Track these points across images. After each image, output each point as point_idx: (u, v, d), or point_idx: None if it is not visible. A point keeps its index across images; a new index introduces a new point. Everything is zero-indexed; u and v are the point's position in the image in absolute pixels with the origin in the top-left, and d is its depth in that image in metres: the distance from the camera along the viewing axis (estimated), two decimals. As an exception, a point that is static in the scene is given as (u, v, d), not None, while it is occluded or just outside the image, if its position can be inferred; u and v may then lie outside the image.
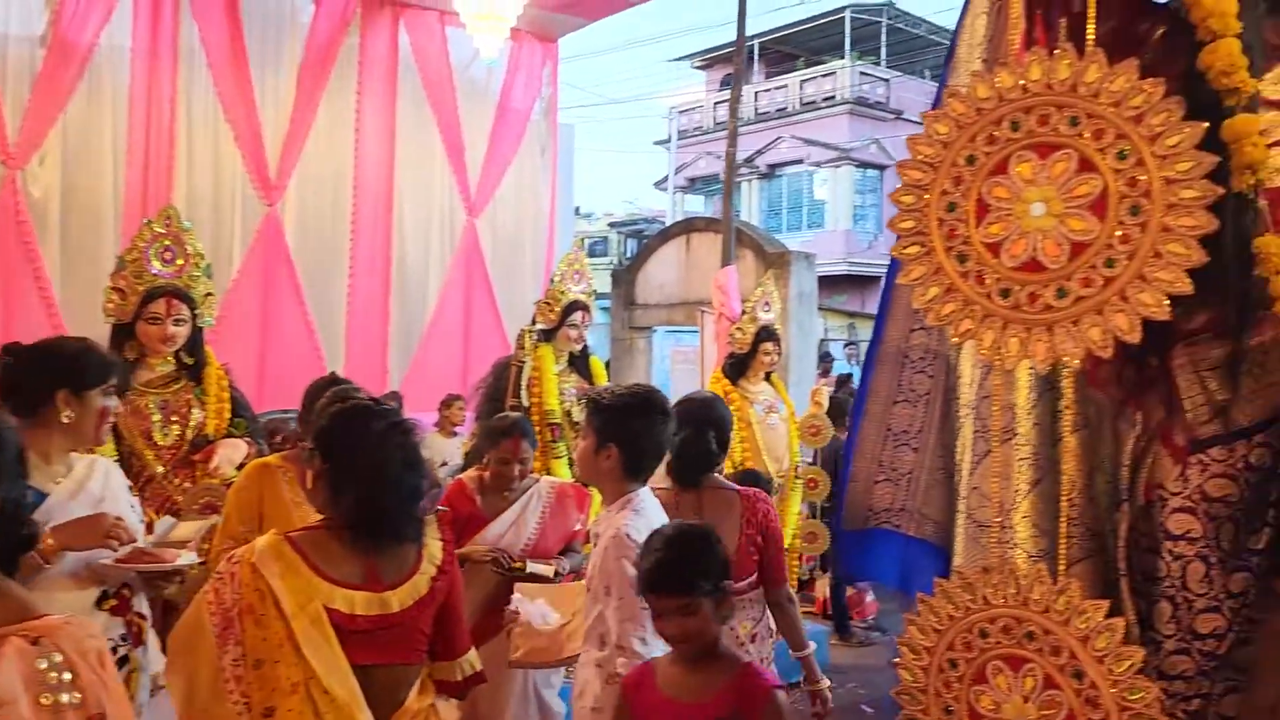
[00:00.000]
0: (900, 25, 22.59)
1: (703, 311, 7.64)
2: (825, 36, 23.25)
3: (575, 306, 4.76)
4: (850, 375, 11.23)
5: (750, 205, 23.52)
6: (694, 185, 24.75)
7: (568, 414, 4.77)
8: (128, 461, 3.12)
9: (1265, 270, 1.28)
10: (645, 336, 9.64)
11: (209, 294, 3.47)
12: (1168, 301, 1.10)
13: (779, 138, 22.73)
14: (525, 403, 4.62)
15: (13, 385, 2.22)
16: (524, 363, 4.66)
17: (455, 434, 6.76)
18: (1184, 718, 1.41)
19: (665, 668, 1.98)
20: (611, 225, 28.13)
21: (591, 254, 27.64)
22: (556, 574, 3.32)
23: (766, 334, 5.59)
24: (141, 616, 2.34)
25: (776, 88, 23.44)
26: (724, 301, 6.85)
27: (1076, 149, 1.15)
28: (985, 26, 1.40)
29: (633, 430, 2.74)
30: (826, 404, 6.13)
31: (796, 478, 5.49)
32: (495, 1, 5.70)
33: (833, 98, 22.23)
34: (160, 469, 3.24)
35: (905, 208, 1.24)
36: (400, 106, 7.43)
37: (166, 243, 3.37)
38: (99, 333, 3.04)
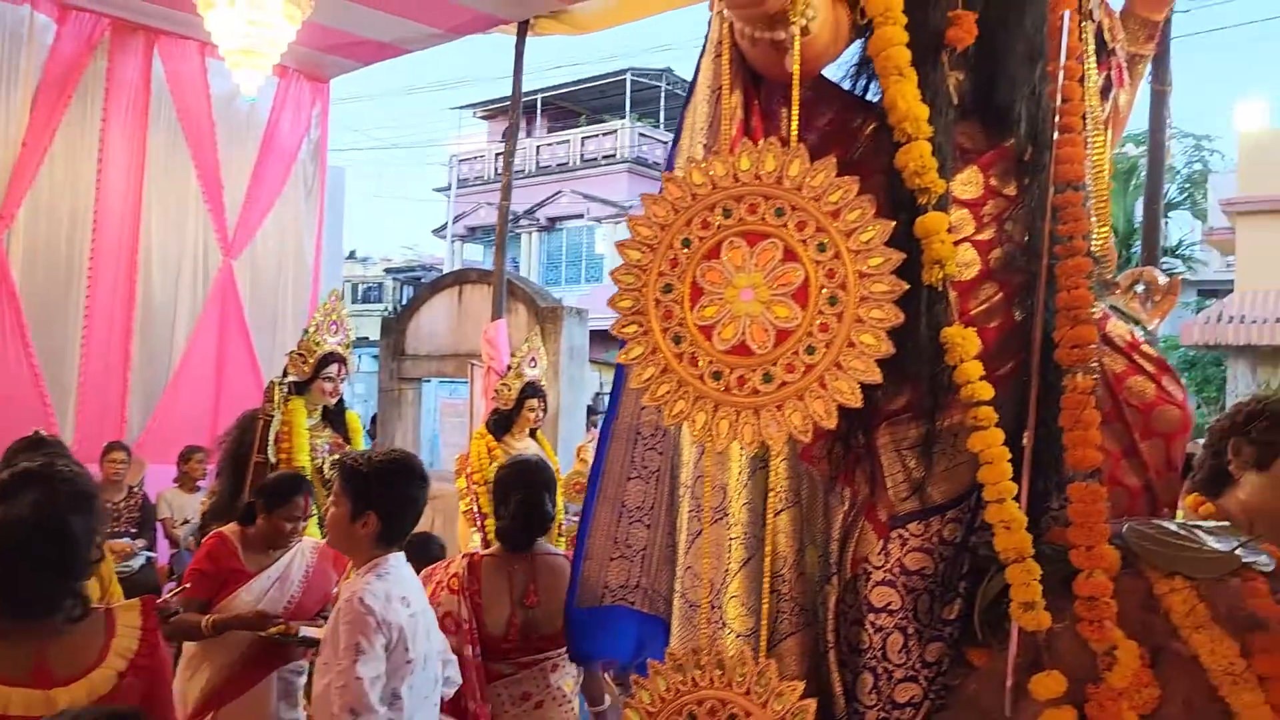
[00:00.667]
0: (678, 91, 23.54)
1: (473, 364, 7.55)
2: (606, 97, 23.88)
3: (331, 359, 4.58)
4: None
5: (530, 257, 23.64)
6: (474, 234, 24.63)
7: (319, 471, 4.57)
8: None
9: (952, 359, 1.37)
10: (414, 388, 9.41)
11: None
12: (860, 390, 1.15)
13: (560, 191, 23.03)
14: (272, 459, 4.38)
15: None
16: (272, 416, 4.42)
17: (198, 489, 6.33)
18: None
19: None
20: (388, 271, 27.50)
21: (366, 300, 26.89)
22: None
23: (532, 390, 5.59)
24: None
25: (559, 142, 23.81)
26: (493, 355, 6.80)
27: (782, 239, 1.19)
28: (706, 114, 1.44)
29: (393, 496, 2.65)
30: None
31: (560, 536, 5.47)
32: (257, 39, 5.47)
33: (613, 156, 22.81)
34: None
35: (625, 287, 1.25)
36: (152, 138, 6.98)
37: None
38: None
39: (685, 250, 1.23)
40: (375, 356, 9.97)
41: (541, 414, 5.67)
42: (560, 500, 5.64)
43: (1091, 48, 1.66)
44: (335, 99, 7.94)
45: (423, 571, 3.08)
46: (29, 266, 6.34)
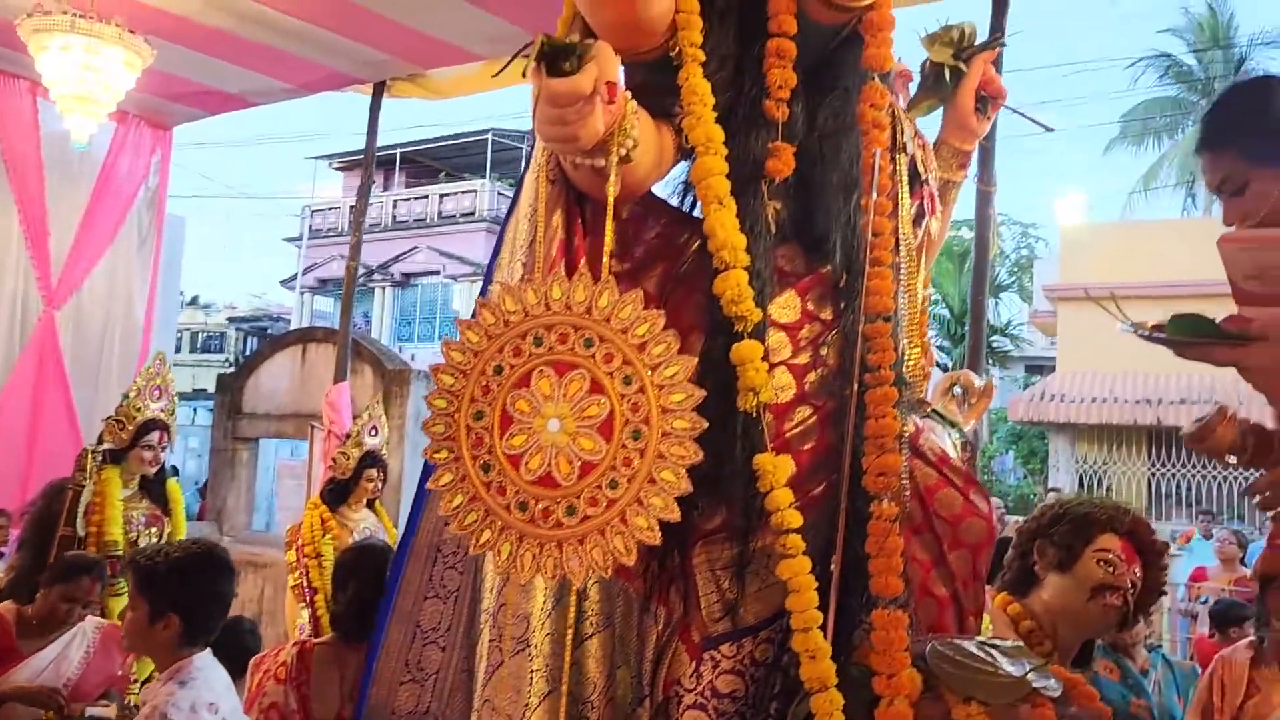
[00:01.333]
0: (539, 154, 23.75)
1: (313, 426, 7.29)
2: (467, 155, 23.83)
3: (152, 426, 4.33)
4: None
5: (383, 311, 23.19)
6: (325, 286, 24.02)
7: (134, 544, 4.29)
8: None
9: (763, 485, 1.39)
10: (250, 447, 9.01)
11: None
12: (659, 528, 1.14)
13: (416, 247, 22.75)
14: (81, 532, 4.09)
15: None
16: (83, 486, 4.13)
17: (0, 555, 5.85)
18: None
19: None
20: (231, 320, 26.46)
21: (206, 349, 25.80)
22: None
23: (371, 460, 5.41)
24: None
25: (417, 198, 23.57)
26: (334, 419, 6.58)
27: (590, 370, 1.18)
28: (527, 231, 1.43)
29: (195, 595, 2.49)
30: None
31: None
32: (93, 84, 5.21)
33: (472, 214, 22.72)
34: None
35: (437, 411, 1.21)
36: (-31, 179, 6.55)
37: None
38: None
39: (497, 377, 1.20)
40: (211, 410, 9.52)
41: (381, 484, 5.49)
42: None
43: (905, 178, 1.74)
44: (186, 144, 7.67)
45: (253, 659, 2.92)
46: None
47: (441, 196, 23.35)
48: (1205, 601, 6.56)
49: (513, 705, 1.37)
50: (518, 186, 1.54)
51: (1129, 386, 13.75)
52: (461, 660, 1.52)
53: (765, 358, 1.44)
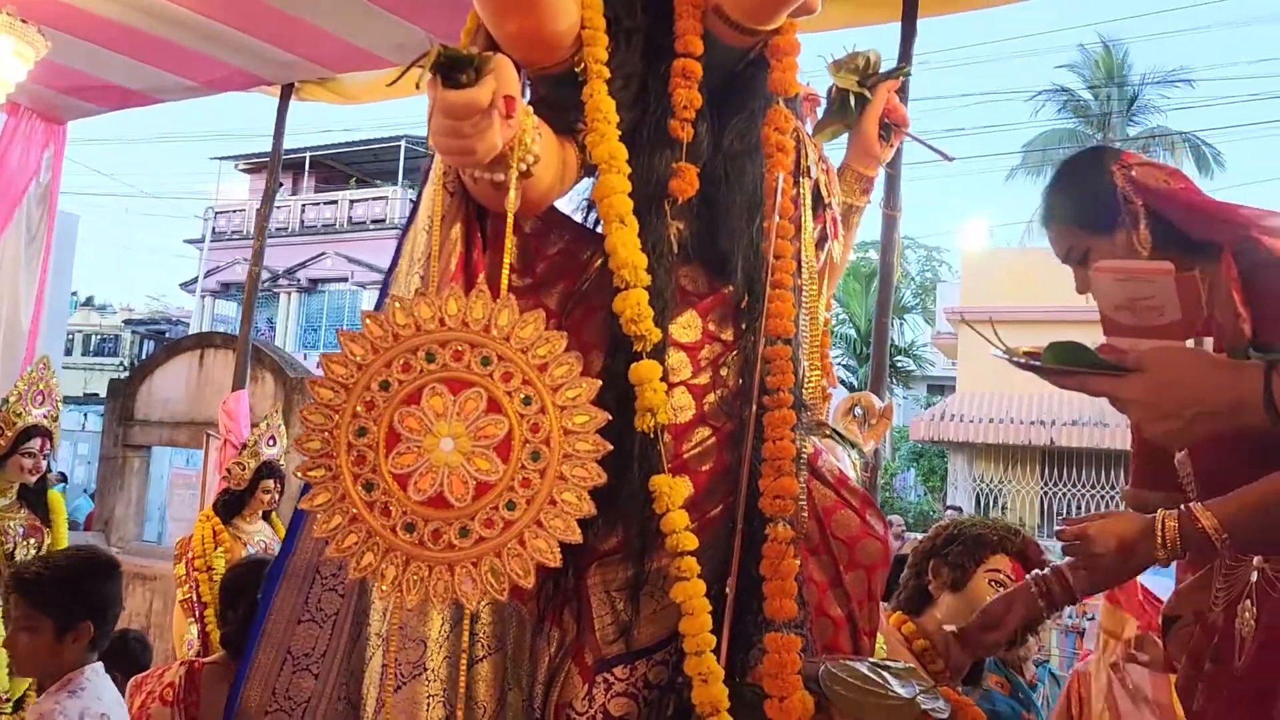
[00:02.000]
0: (453, 162, 23.53)
1: (209, 435, 7.06)
2: (379, 161, 23.49)
3: (33, 432, 4.14)
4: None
5: (288, 317, 22.64)
6: (227, 290, 23.36)
7: (10, 556, 4.09)
8: None
9: (659, 507, 1.38)
10: (142, 456, 8.69)
11: None
12: (559, 550, 1.12)
13: (324, 253, 22.29)
14: (-51, 545, 3.89)
15: None
16: (-47, 496, 3.92)
17: None
18: None
19: None
20: (128, 322, 25.51)
21: (99, 352, 24.80)
22: None
23: (268, 471, 5.27)
24: None
25: (326, 202, 23.11)
26: (230, 427, 6.38)
27: (487, 389, 1.16)
28: (425, 244, 1.40)
29: (103, 599, 2.41)
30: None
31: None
32: (-26, 76, 4.97)
33: (383, 221, 22.37)
34: None
35: (313, 427, 1.16)
36: None
37: None
38: None
39: (383, 393, 1.16)
40: (102, 415, 9.15)
41: (277, 496, 5.35)
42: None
43: (809, 202, 1.76)
44: (84, 139, 7.39)
45: (133, 679, 2.78)
46: None
47: (352, 202, 22.94)
48: (1092, 619, 6.78)
49: None
50: (417, 197, 1.51)
51: (1024, 408, 14.20)
52: (339, 689, 1.46)
53: (665, 378, 1.43)
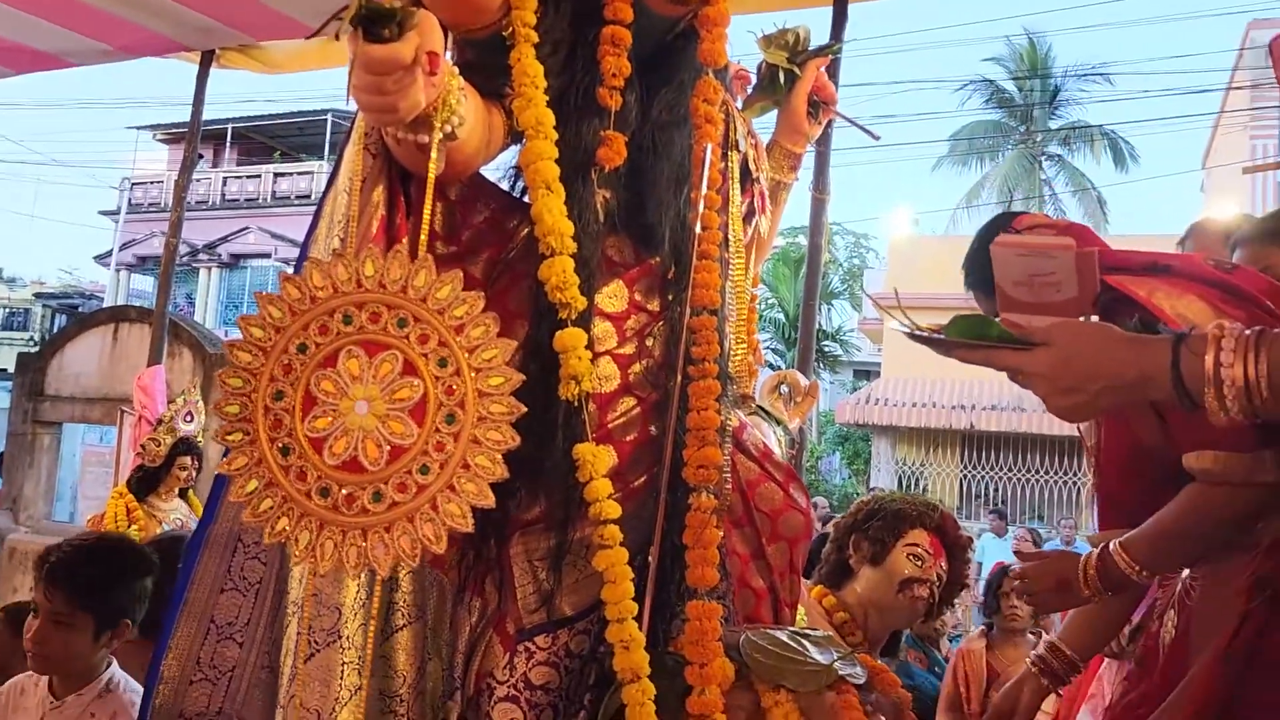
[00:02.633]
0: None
1: (123, 411, 6.86)
2: (304, 135, 22.94)
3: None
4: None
5: (208, 294, 22.07)
6: (144, 264, 22.67)
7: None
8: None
9: (582, 475, 1.37)
10: (53, 432, 8.40)
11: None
12: (472, 515, 1.11)
13: (247, 228, 21.74)
14: None
15: None
16: None
17: None
18: None
19: None
20: (38, 296, 24.63)
21: (8, 326, 23.90)
22: None
23: (185, 447, 5.14)
24: None
25: (249, 176, 22.52)
26: (145, 403, 6.20)
27: (403, 351, 1.14)
28: (346, 205, 1.37)
29: (143, 594, 2.27)
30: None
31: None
32: None
33: (308, 196, 21.87)
34: None
35: (231, 390, 1.14)
36: None
37: None
38: None
39: (301, 356, 1.14)
40: (10, 391, 8.83)
41: (195, 473, 5.22)
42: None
43: (737, 176, 1.76)
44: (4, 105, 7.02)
45: None
46: None
47: (276, 176, 22.39)
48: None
49: (321, 700, 1.30)
50: (338, 158, 1.47)
51: (946, 393, 14.51)
52: (262, 656, 1.43)
53: (590, 346, 1.42)
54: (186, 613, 1.44)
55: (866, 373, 22.26)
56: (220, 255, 22.14)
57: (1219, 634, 1.45)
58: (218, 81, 6.25)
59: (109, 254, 22.88)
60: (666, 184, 1.61)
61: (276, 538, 1.11)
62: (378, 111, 1.13)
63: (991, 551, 9.46)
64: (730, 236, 1.73)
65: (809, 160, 2.32)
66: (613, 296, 1.59)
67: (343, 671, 1.31)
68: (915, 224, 18.80)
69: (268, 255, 21.97)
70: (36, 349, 9.47)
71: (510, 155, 1.61)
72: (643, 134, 1.60)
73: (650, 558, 1.47)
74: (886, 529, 2.52)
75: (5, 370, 14.82)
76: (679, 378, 1.53)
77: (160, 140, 23.81)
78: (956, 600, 2.75)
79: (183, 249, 6.70)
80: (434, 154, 1.22)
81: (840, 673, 1.48)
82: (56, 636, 2.09)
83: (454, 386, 1.13)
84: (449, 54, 1.29)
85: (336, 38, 1.06)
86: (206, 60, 6.15)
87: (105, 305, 17.19)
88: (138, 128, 23.40)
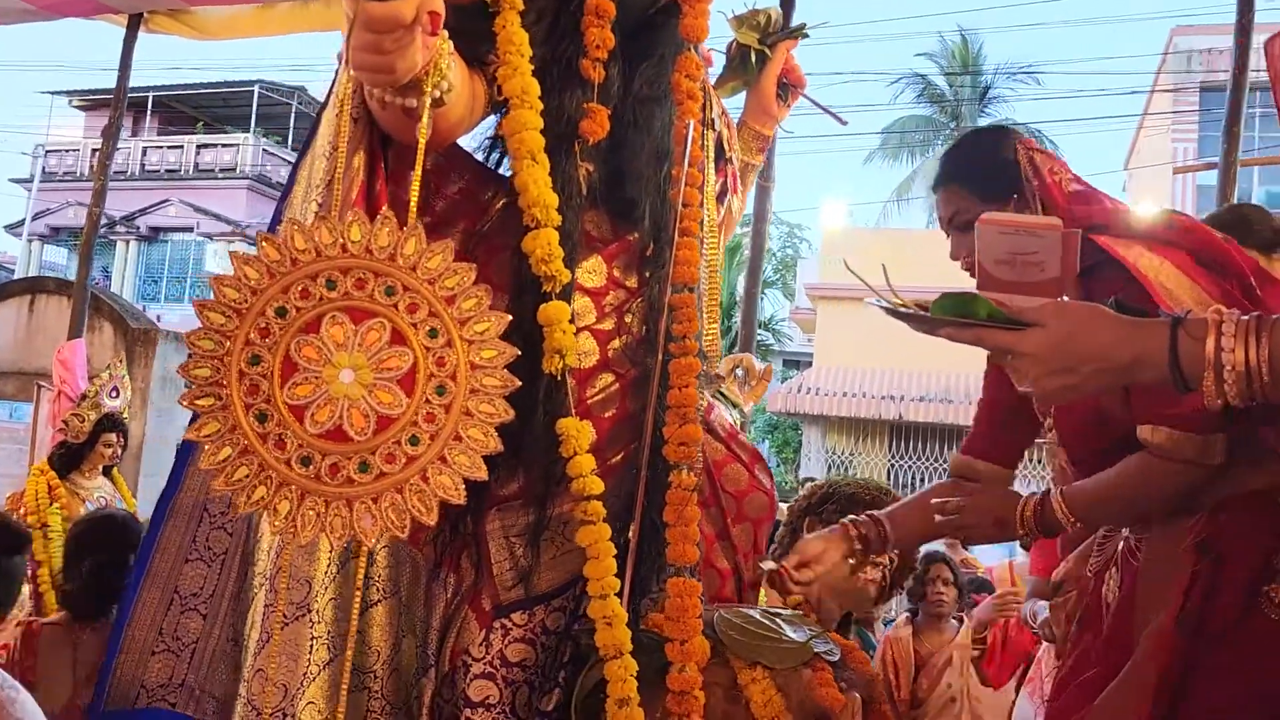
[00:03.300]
0: (309, 111, 22.51)
1: (40, 386, 6.61)
2: (230, 106, 22.29)
3: None
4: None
5: (125, 267, 21.35)
6: (58, 235, 21.84)
7: None
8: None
9: (566, 450, 1.35)
10: (-38, 408, 8.08)
11: None
12: (464, 487, 1.08)
13: (167, 200, 21.06)
14: None
15: None
16: None
17: None
18: None
19: None
20: (-57, 266, 23.62)
21: (-90, 297, 22.84)
22: None
23: (110, 423, 4.96)
24: None
25: (170, 146, 21.81)
26: (65, 378, 5.98)
27: (391, 320, 1.10)
28: (325, 170, 1.32)
29: (14, 572, 2.18)
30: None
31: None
32: None
33: (233, 170, 21.28)
34: None
35: (202, 353, 1.09)
36: None
37: None
38: None
39: (280, 320, 1.09)
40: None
41: (120, 450, 5.05)
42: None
43: (712, 155, 1.75)
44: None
45: None
46: None
47: (199, 147, 21.70)
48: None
49: (289, 674, 1.26)
50: (314, 123, 1.42)
51: (876, 382, 14.73)
52: (225, 630, 1.39)
53: (571, 321, 1.40)
54: (149, 582, 1.39)
55: (797, 362, 22.50)
56: (139, 228, 21.43)
57: (1166, 598, 1.47)
58: (141, 46, 6.03)
59: (20, 223, 22.00)
60: (647, 159, 1.59)
61: (253, 506, 1.07)
62: (373, 71, 1.09)
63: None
64: (705, 215, 1.72)
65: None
66: (591, 272, 1.57)
67: (312, 646, 1.28)
68: (848, 216, 19.03)
69: (189, 229, 21.33)
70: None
71: (484, 125, 1.57)
72: (624, 108, 1.58)
73: (631, 534, 1.46)
74: (840, 512, 2.54)
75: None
76: (660, 355, 1.51)
77: (76, 106, 22.92)
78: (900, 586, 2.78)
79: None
80: (424, 119, 1.18)
81: (816, 650, 1.49)
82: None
83: (445, 358, 1.10)
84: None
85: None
86: (135, 23, 5.92)
87: (18, 277, 16.53)
88: (52, 93, 22.49)
